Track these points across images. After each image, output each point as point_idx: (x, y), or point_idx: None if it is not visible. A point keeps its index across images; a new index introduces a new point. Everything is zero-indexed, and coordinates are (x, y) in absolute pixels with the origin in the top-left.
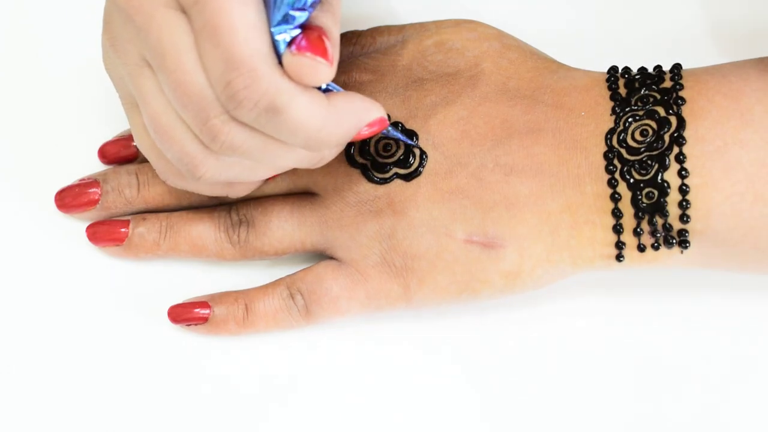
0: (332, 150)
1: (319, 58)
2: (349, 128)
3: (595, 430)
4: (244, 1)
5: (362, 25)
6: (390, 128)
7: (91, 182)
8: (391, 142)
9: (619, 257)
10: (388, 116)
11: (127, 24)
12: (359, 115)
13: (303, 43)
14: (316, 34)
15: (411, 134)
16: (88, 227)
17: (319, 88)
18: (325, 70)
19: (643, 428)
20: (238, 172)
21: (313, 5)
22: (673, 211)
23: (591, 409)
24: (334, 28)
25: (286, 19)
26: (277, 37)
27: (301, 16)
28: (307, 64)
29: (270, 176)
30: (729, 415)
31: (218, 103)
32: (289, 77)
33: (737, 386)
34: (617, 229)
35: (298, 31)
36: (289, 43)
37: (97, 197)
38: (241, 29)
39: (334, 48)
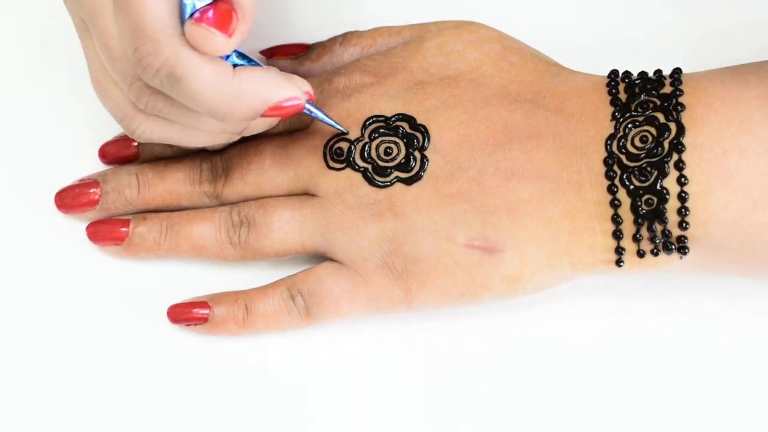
0: (252, 124)
1: (215, 30)
2: (253, 103)
3: (595, 430)
4: None
5: (363, 26)
6: (313, 109)
7: (91, 182)
8: (392, 145)
9: (618, 263)
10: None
11: None
12: (267, 92)
13: (209, 13)
14: (223, 6)
15: (420, 129)
16: (89, 226)
17: (230, 61)
18: (221, 42)
19: (643, 428)
20: (170, 133)
21: None
22: (672, 217)
23: (591, 409)
24: (248, 2)
25: None
26: (185, 1)
27: None
28: (203, 34)
29: (207, 145)
30: (729, 415)
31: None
32: (192, 47)
33: (737, 386)
34: (617, 235)
35: (208, 1)
36: (195, 11)
37: (97, 197)
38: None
39: (241, 22)
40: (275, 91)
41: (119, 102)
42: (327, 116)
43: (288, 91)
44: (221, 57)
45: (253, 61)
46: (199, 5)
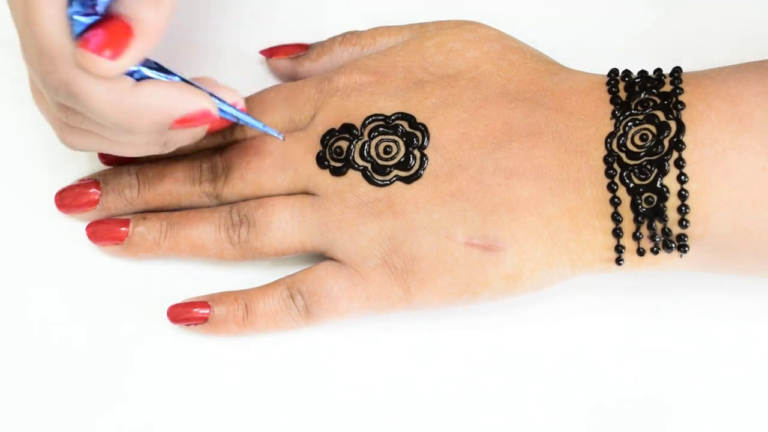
0: (173, 135)
1: (97, 56)
2: (154, 117)
3: (595, 430)
4: None
5: (362, 26)
6: (243, 116)
7: (91, 182)
8: (392, 144)
9: (618, 261)
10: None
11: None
12: (170, 105)
13: (96, 37)
14: (115, 26)
15: (419, 128)
16: (88, 226)
17: (138, 74)
18: (107, 67)
19: (643, 428)
20: (98, 144)
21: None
22: (672, 215)
23: (591, 409)
24: (152, 18)
25: (83, 4)
26: (71, 22)
27: (97, 5)
28: (89, 58)
29: (135, 155)
30: (729, 415)
31: None
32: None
33: (737, 386)
34: (617, 233)
35: (93, 18)
36: (81, 33)
37: (97, 197)
38: (45, 20)
39: (138, 39)
40: (178, 104)
41: (49, 112)
42: (258, 121)
43: (193, 103)
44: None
45: (170, 72)
46: (86, 23)
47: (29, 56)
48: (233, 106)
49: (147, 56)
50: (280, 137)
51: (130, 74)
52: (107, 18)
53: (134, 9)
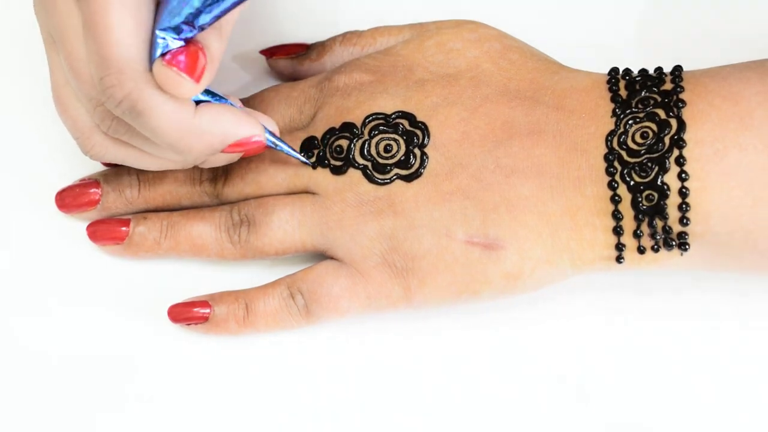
0: (212, 157)
1: (185, 75)
2: (213, 141)
3: (595, 429)
4: (124, 3)
5: (362, 25)
6: (278, 142)
7: (91, 182)
8: (392, 143)
9: (619, 259)
10: (270, 134)
11: (39, 1)
12: (228, 130)
13: (181, 57)
14: (194, 50)
15: (420, 127)
16: (89, 226)
17: (194, 98)
18: (188, 87)
19: (643, 428)
20: (125, 156)
21: (203, 27)
22: (673, 213)
23: (591, 409)
24: (217, 47)
25: (177, 29)
26: (159, 40)
27: (189, 32)
28: (172, 77)
29: (161, 169)
30: (729, 414)
31: None
32: (156, 85)
33: (738, 386)
34: (617, 231)
35: (181, 43)
36: (167, 52)
37: (97, 197)
38: (115, 30)
39: (209, 66)
40: (235, 129)
41: (78, 120)
42: (292, 149)
43: (249, 129)
44: None
45: (218, 95)
46: (172, 45)
47: (92, 63)
48: (272, 133)
49: None
50: (311, 164)
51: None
52: (188, 43)
53: (203, 36)
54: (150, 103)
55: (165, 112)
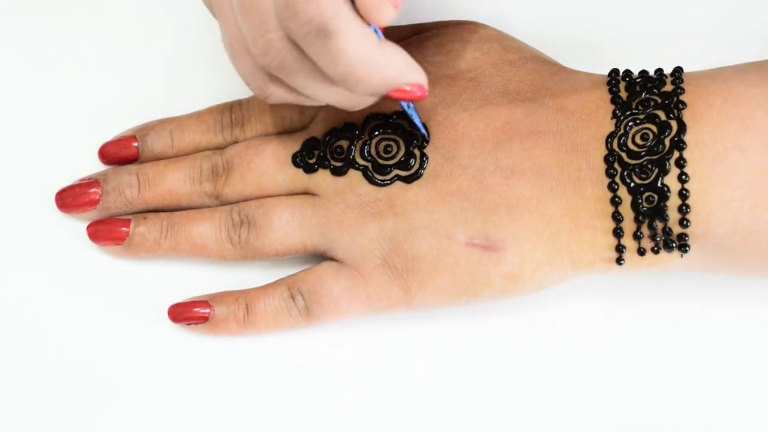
0: (366, 97)
1: (384, 1)
2: (388, 77)
3: (596, 429)
4: None
5: None
6: (411, 112)
7: (91, 182)
8: (392, 143)
9: (619, 261)
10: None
11: None
12: (402, 70)
13: None
14: None
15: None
16: (89, 226)
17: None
18: (388, 12)
19: (643, 428)
20: (292, 98)
21: None
22: (673, 215)
23: (591, 409)
24: None
25: None
26: None
27: None
28: (375, 1)
29: (316, 104)
30: (729, 414)
31: (276, 19)
32: (352, 6)
33: (738, 386)
34: (617, 233)
35: None
36: None
37: (97, 197)
38: None
39: None
40: (408, 71)
41: (252, 68)
42: (420, 120)
43: (419, 75)
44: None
45: (380, 33)
46: None
47: None
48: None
49: None
50: (427, 140)
51: None
52: None
53: None
54: (343, 24)
55: (356, 35)
